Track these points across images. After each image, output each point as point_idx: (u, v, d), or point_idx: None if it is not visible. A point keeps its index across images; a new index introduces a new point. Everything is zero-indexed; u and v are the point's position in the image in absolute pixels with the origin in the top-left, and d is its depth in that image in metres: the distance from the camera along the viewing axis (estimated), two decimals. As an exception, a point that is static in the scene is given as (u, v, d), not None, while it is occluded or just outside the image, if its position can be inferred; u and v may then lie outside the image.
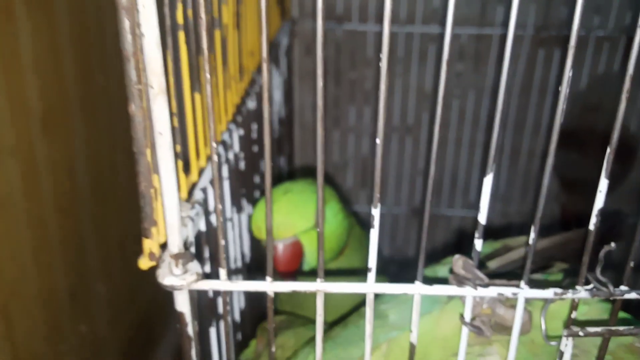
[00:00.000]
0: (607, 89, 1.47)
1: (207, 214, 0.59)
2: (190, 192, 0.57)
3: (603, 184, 0.42)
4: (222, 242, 0.45)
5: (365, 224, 0.93)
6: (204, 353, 0.55)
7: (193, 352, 0.49)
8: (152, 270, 0.48)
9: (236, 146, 0.74)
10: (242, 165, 0.78)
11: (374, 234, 0.44)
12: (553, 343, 0.49)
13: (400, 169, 1.55)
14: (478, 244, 0.45)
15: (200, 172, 0.61)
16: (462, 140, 1.52)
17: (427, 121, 1.52)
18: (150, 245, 0.44)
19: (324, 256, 0.46)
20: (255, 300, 0.89)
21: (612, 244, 0.43)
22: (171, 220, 0.43)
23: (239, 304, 0.77)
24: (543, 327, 0.49)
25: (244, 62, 0.88)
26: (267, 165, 0.42)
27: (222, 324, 0.70)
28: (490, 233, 0.57)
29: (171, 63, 0.51)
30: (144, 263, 0.45)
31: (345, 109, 1.50)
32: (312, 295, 0.46)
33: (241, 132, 0.76)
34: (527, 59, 1.43)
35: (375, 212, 0.44)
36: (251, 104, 0.89)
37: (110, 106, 0.92)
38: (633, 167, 1.47)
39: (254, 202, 0.89)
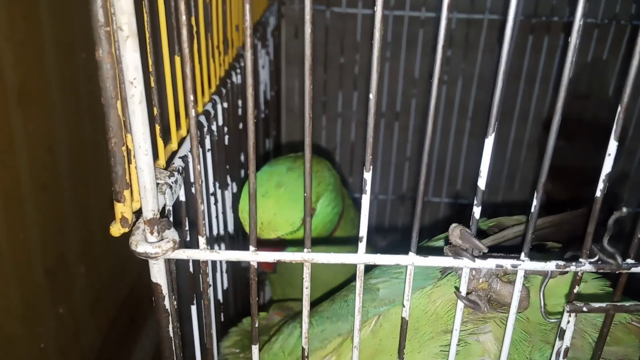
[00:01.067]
0: (596, 76, 1.45)
1: (187, 185, 0.55)
2: (169, 161, 0.54)
3: (612, 146, 0.40)
4: (202, 207, 0.41)
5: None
6: (184, 332, 0.51)
7: (170, 328, 0.45)
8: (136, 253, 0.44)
9: (220, 119, 0.70)
10: (226, 140, 0.74)
11: (366, 201, 0.41)
12: (553, 320, 0.46)
13: (388, 156, 1.52)
14: (477, 211, 0.42)
15: (181, 142, 0.57)
16: (449, 127, 1.50)
17: (416, 107, 1.49)
18: (122, 210, 0.41)
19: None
20: (240, 285, 0.85)
21: (624, 209, 0.40)
22: (145, 183, 0.40)
23: (221, 284, 0.73)
24: (542, 303, 0.46)
25: (229, 36, 0.85)
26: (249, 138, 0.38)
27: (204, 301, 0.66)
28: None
29: (147, 20, 0.47)
30: (116, 229, 0.41)
31: (334, 94, 1.46)
32: (302, 272, 0.43)
33: (225, 105, 0.73)
34: (516, 46, 1.41)
35: (367, 176, 0.40)
36: (237, 79, 0.85)
37: (92, 80, 0.88)
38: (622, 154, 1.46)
39: (238, 181, 0.85)
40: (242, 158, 0.90)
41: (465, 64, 1.43)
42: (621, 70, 1.43)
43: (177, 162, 0.52)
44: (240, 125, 0.88)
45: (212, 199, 0.66)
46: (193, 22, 0.62)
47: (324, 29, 1.38)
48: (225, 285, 0.75)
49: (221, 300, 0.73)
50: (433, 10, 1.36)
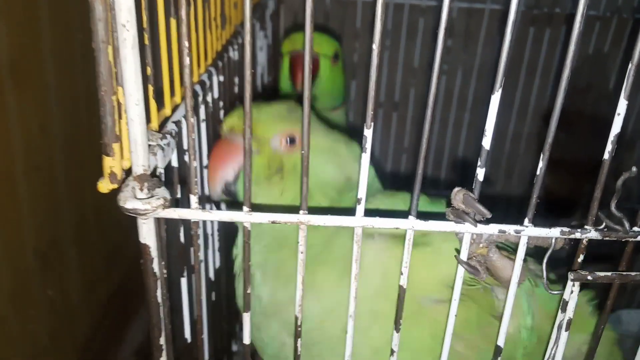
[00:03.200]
0: (597, 69, 1.44)
1: (180, 151, 0.53)
2: (162, 126, 0.52)
3: (622, 105, 0.38)
4: (194, 164, 0.39)
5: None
6: (174, 309, 0.50)
7: (158, 293, 0.44)
8: (130, 237, 0.43)
9: (215, 91, 0.68)
10: (221, 115, 0.73)
11: (365, 159, 0.40)
12: (556, 292, 0.45)
13: (386, 147, 1.51)
14: (480, 173, 0.40)
15: (175, 109, 0.56)
16: (448, 119, 1.48)
17: (414, 98, 1.47)
18: (111, 164, 0.39)
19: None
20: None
21: (634, 169, 0.38)
22: (135, 135, 0.38)
23: (213, 263, 0.71)
24: (545, 275, 0.45)
25: (227, 12, 0.83)
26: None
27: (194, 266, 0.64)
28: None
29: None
30: (104, 185, 0.40)
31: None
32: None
33: (221, 78, 0.71)
34: (517, 37, 1.39)
35: (368, 133, 0.39)
36: (234, 55, 0.83)
37: (88, 60, 0.86)
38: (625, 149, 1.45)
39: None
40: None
41: (466, 55, 1.41)
42: (622, 64, 1.42)
43: (170, 126, 0.51)
44: (237, 103, 0.87)
45: (205, 171, 0.65)
46: (190, -12, 0.60)
47: (324, 15, 1.37)
48: (218, 264, 0.73)
49: (212, 279, 0.71)
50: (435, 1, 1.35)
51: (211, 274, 0.71)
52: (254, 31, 0.96)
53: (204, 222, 0.66)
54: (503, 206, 1.59)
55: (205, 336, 0.69)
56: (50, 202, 0.84)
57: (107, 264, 1.04)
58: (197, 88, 0.62)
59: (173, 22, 0.53)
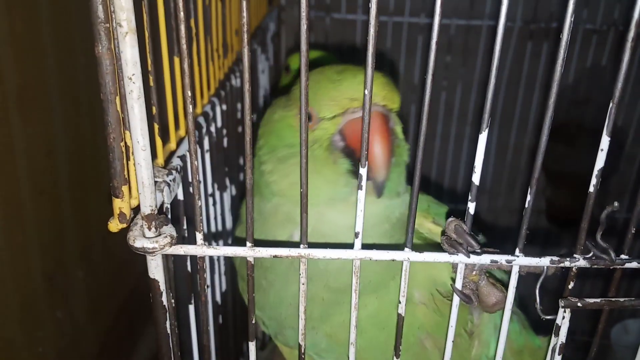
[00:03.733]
0: (595, 82, 1.46)
1: (185, 184, 0.55)
2: (168, 161, 0.54)
3: (605, 141, 0.40)
4: (199, 202, 0.42)
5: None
6: (181, 330, 0.52)
7: (168, 325, 0.46)
8: (135, 258, 0.45)
9: (219, 120, 0.70)
10: (225, 142, 0.75)
11: (361, 196, 0.42)
12: (549, 317, 0.46)
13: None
14: (471, 207, 0.42)
15: (179, 142, 0.58)
16: (449, 134, 1.50)
17: (415, 114, 1.49)
18: (120, 205, 0.41)
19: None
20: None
21: (616, 204, 0.40)
22: (143, 178, 0.40)
23: (220, 286, 0.73)
24: (538, 300, 0.47)
25: (229, 40, 0.86)
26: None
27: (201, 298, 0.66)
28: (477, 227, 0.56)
29: (147, 19, 0.48)
30: (114, 225, 0.42)
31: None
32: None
33: (224, 107, 0.73)
34: (515, 52, 1.41)
35: (363, 172, 0.41)
36: (236, 82, 0.86)
37: (92, 84, 0.89)
38: (620, 161, 1.46)
39: (237, 184, 0.86)
40: (241, 161, 0.91)
41: (465, 70, 1.44)
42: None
43: (176, 161, 0.53)
44: (240, 129, 0.89)
45: (210, 200, 0.67)
46: (192, 25, 0.63)
47: (325, 35, 1.39)
48: (224, 287, 0.75)
49: (219, 302, 0.73)
50: (431, 17, 1.37)
51: (218, 297, 0.73)
52: (255, 57, 0.99)
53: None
54: (506, 218, 1.61)
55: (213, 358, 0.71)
56: (56, 225, 0.86)
57: (113, 284, 1.06)
58: (201, 120, 0.64)
59: (176, 60, 0.56)
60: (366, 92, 0.38)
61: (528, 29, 1.39)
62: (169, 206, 0.48)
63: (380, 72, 0.56)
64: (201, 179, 0.63)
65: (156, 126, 0.50)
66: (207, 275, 0.66)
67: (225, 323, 0.76)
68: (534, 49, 1.41)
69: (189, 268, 0.55)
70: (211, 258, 0.70)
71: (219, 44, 0.76)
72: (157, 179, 0.48)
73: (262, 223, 0.60)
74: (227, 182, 0.77)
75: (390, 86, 0.56)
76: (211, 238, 0.68)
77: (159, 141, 0.51)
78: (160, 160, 0.52)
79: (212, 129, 0.67)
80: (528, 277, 0.47)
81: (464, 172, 1.53)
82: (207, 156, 0.65)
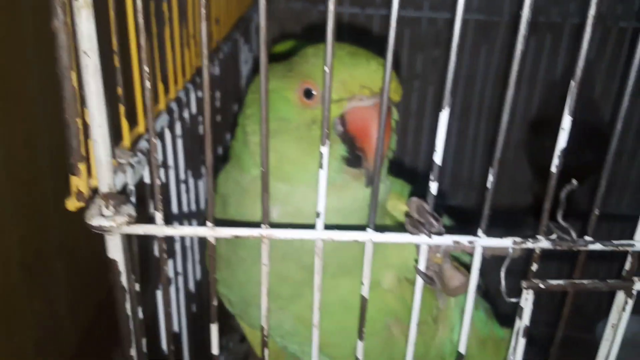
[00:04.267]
0: (584, 77, 1.46)
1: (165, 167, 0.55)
2: (136, 144, 0.54)
3: (566, 121, 0.40)
4: (157, 181, 0.41)
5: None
6: (148, 316, 0.51)
7: (128, 306, 0.45)
8: None
9: (193, 107, 0.70)
10: (200, 130, 0.74)
11: (323, 175, 0.41)
12: (514, 299, 0.46)
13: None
14: (433, 187, 0.42)
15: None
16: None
17: (402, 108, 1.49)
18: (77, 183, 0.41)
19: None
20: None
21: (574, 182, 0.40)
22: (100, 156, 0.40)
23: (194, 275, 0.73)
24: (502, 282, 0.46)
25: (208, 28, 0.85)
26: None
27: (175, 288, 0.66)
28: (465, 220, 0.55)
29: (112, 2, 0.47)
30: (72, 203, 0.41)
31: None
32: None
33: (200, 94, 0.73)
34: (502, 46, 1.41)
35: (324, 150, 0.41)
36: (215, 70, 0.85)
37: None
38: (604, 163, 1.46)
39: (215, 174, 0.85)
40: (220, 151, 0.91)
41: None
42: (607, 71, 1.44)
43: (143, 144, 0.52)
44: (219, 118, 0.89)
45: (183, 186, 0.66)
46: (165, 9, 0.62)
47: (310, 26, 1.39)
48: (199, 276, 0.75)
49: (193, 291, 0.72)
50: (419, 10, 1.37)
51: (191, 286, 0.72)
52: (237, 47, 0.98)
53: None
54: (492, 213, 1.60)
55: (185, 347, 0.70)
56: (35, 214, 0.86)
57: (95, 276, 1.05)
58: (173, 105, 0.63)
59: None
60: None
61: (515, 23, 1.38)
62: (133, 188, 0.48)
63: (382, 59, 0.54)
64: (172, 164, 0.62)
65: (122, 107, 0.49)
66: (179, 261, 0.66)
67: (201, 313, 0.76)
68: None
69: (156, 252, 0.55)
70: (184, 246, 0.69)
71: (195, 31, 0.76)
72: (121, 160, 0.48)
73: (241, 195, 0.58)
74: (203, 170, 0.76)
75: (396, 78, 0.55)
76: (185, 223, 0.68)
77: (125, 123, 0.51)
78: (127, 142, 0.51)
79: (186, 114, 0.67)
80: (494, 264, 0.47)
81: (452, 167, 1.53)
82: (180, 142, 0.64)
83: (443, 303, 0.60)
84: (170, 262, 0.64)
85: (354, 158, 0.52)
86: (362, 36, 1.37)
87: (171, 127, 0.62)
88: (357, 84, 0.52)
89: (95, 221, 0.40)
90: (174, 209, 0.64)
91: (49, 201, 0.88)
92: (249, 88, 0.65)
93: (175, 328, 0.67)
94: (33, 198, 0.85)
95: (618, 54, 1.40)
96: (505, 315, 0.73)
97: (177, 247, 0.65)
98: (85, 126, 0.40)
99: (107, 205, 0.41)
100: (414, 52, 1.42)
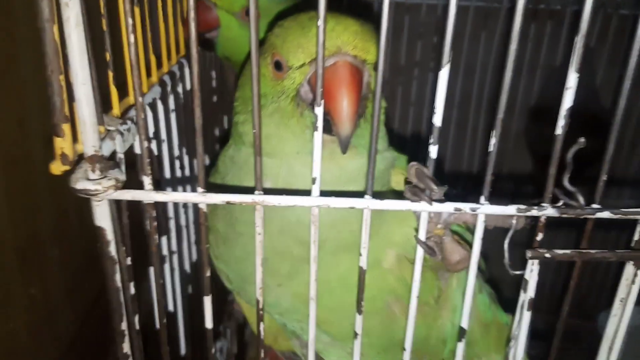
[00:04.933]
0: (584, 65, 1.44)
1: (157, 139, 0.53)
2: (126, 113, 0.52)
3: (572, 78, 0.38)
4: (145, 144, 0.39)
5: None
6: (142, 296, 0.49)
7: (117, 277, 0.43)
8: None
9: (188, 83, 0.68)
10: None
11: (318, 137, 0.39)
12: (518, 272, 0.44)
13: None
14: (433, 150, 0.40)
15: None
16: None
17: (402, 96, 1.47)
18: (62, 145, 0.39)
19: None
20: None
21: (582, 139, 0.38)
22: (84, 116, 0.38)
23: (189, 256, 0.71)
24: (506, 256, 0.45)
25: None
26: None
27: (170, 268, 0.64)
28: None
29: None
30: (56, 167, 0.39)
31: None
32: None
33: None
34: (502, 33, 1.40)
35: (319, 111, 0.39)
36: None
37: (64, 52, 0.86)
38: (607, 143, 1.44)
39: (211, 154, 0.84)
40: (217, 132, 0.89)
41: (452, 52, 1.41)
42: (609, 59, 1.42)
43: (132, 113, 0.50)
44: (215, 98, 0.87)
45: (177, 162, 0.65)
46: (157, -20, 0.61)
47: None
48: (194, 257, 0.73)
49: (188, 271, 0.71)
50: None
51: (187, 267, 0.70)
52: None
53: (178, 213, 0.66)
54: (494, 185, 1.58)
55: (180, 326, 0.69)
56: (29, 197, 0.84)
57: (92, 262, 1.03)
58: (166, 78, 0.62)
59: (137, 10, 0.53)
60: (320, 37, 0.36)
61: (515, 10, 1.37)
62: (122, 156, 0.46)
63: (358, 19, 0.52)
64: (165, 137, 0.61)
65: (110, 73, 0.48)
66: (174, 239, 0.64)
67: (197, 294, 0.74)
68: (521, 31, 1.39)
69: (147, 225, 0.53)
70: (179, 225, 0.67)
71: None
72: (109, 127, 0.46)
73: (237, 173, 0.57)
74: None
75: (365, 35, 0.51)
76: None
77: (114, 90, 0.49)
78: (116, 110, 0.49)
79: (179, 89, 0.65)
80: (497, 246, 0.45)
81: (451, 155, 1.51)
82: (173, 116, 0.62)
83: (445, 283, 0.58)
84: (164, 241, 0.62)
85: (325, 124, 0.49)
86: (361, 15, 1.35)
87: (164, 100, 0.60)
88: (315, 45, 0.50)
89: (80, 184, 0.38)
90: (167, 177, 0.63)
91: (41, 184, 0.87)
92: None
93: (171, 308, 0.66)
94: (25, 180, 0.83)
95: (619, 41, 1.38)
96: (507, 301, 0.72)
97: (172, 225, 0.63)
98: (70, 86, 0.38)
99: (93, 169, 0.39)
100: (413, 39, 1.40)
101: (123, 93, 0.53)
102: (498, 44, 1.40)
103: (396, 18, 1.37)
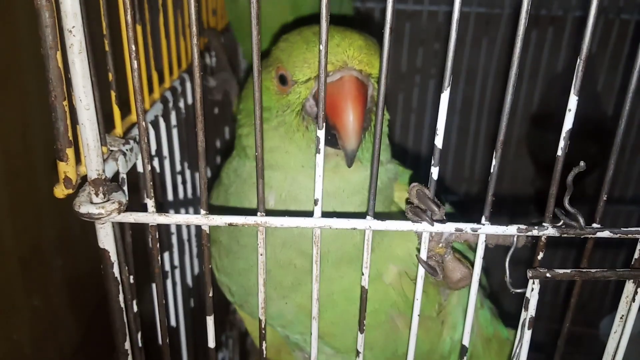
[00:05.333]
0: (585, 70, 1.44)
1: (160, 156, 0.53)
2: (128, 132, 0.52)
3: (572, 101, 0.38)
4: (148, 167, 0.40)
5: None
6: (144, 309, 0.50)
7: (121, 298, 0.44)
8: None
9: (189, 97, 0.68)
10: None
11: (320, 160, 0.40)
12: (519, 290, 0.45)
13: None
14: (434, 171, 0.40)
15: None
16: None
17: (403, 102, 1.47)
18: (65, 169, 0.39)
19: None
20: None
21: (582, 163, 0.38)
22: (87, 140, 0.38)
23: (191, 269, 0.71)
24: (507, 273, 0.45)
25: (204, 18, 0.83)
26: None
27: (172, 282, 0.65)
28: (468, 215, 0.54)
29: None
30: (60, 191, 0.40)
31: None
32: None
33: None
34: (503, 40, 1.40)
35: (321, 134, 0.39)
36: (211, 62, 0.84)
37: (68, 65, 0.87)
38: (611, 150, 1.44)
39: (213, 166, 0.84)
40: (218, 144, 0.89)
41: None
42: (610, 64, 1.42)
43: (136, 132, 0.51)
44: (216, 110, 0.87)
45: (179, 178, 0.65)
46: (159, -4, 0.61)
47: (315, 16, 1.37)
48: (197, 271, 0.73)
49: (191, 285, 0.71)
50: (420, 3, 1.35)
51: (189, 280, 0.71)
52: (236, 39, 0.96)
53: (180, 228, 0.66)
54: (494, 206, 1.58)
55: (183, 341, 0.69)
56: (31, 208, 0.84)
57: (94, 271, 1.04)
58: (168, 94, 0.62)
59: (139, 28, 0.54)
60: (321, 47, 0.36)
61: (516, 16, 1.37)
62: (124, 176, 0.46)
63: (362, 34, 0.53)
64: (167, 154, 0.61)
65: (113, 94, 0.48)
66: (176, 254, 0.64)
67: (200, 308, 0.74)
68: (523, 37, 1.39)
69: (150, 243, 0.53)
70: (181, 239, 0.68)
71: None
72: (112, 148, 0.47)
73: (241, 186, 0.58)
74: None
75: (370, 49, 0.51)
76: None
77: (116, 110, 0.49)
78: (119, 130, 0.50)
79: (181, 104, 0.65)
80: (497, 263, 0.45)
81: (452, 161, 1.51)
82: (175, 132, 0.63)
83: (445, 299, 0.58)
84: (166, 256, 0.62)
85: (331, 138, 0.50)
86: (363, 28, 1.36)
87: (166, 117, 0.60)
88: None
89: (83, 208, 0.39)
90: (170, 199, 0.63)
91: (43, 195, 0.87)
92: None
93: (173, 323, 0.66)
94: (28, 191, 0.83)
95: (620, 46, 1.38)
96: (508, 316, 0.72)
97: (174, 240, 0.63)
98: (73, 110, 0.39)
99: (97, 192, 0.39)
100: (414, 46, 1.40)
101: (126, 109, 0.53)
102: (499, 49, 1.41)
103: (397, 25, 1.37)
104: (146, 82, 0.56)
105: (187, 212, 0.68)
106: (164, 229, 0.61)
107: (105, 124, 0.48)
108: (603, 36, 1.39)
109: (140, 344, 0.50)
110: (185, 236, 0.68)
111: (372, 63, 0.51)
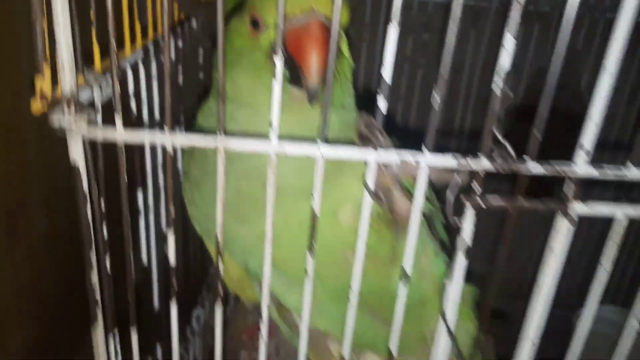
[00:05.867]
0: (570, 67, 1.48)
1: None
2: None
3: (509, 41, 0.42)
4: (117, 86, 0.43)
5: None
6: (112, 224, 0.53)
7: (88, 210, 0.47)
8: None
9: (172, 53, 0.72)
10: (180, 80, 0.77)
11: (277, 85, 0.43)
12: (456, 218, 0.48)
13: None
14: (382, 104, 0.44)
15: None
16: (427, 112, 1.52)
17: (393, 89, 1.51)
18: (42, 85, 0.43)
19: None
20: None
21: (509, 93, 0.42)
22: (62, 56, 0.42)
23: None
24: (448, 201, 0.48)
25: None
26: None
27: (146, 224, 0.68)
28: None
29: None
30: (36, 105, 0.43)
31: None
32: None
33: (180, 43, 0.75)
34: (491, 34, 1.44)
35: (279, 61, 0.43)
36: (197, 25, 0.87)
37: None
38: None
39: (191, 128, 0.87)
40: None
41: (442, 48, 1.45)
42: (595, 62, 1.46)
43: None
44: (201, 75, 0.91)
45: (157, 128, 0.68)
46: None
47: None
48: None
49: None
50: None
51: (164, 226, 0.74)
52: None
53: (156, 171, 0.69)
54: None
55: (154, 283, 0.72)
56: (18, 166, 0.87)
57: (78, 227, 1.06)
58: (150, 46, 0.66)
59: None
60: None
61: (505, 10, 1.41)
62: (99, 104, 0.50)
63: None
64: (145, 100, 0.64)
65: (93, 30, 0.52)
66: (150, 197, 0.68)
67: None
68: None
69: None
70: (156, 183, 0.70)
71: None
72: (89, 79, 0.50)
73: (213, 122, 0.62)
74: (182, 119, 0.79)
75: None
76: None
77: (96, 48, 0.53)
78: (98, 65, 0.53)
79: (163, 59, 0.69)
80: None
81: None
82: (155, 83, 0.66)
83: (402, 242, 0.61)
84: (139, 193, 0.66)
85: (296, 78, 0.54)
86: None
87: (146, 65, 0.64)
88: (289, 6, 0.54)
89: (56, 121, 0.42)
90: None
91: (31, 151, 0.90)
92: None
93: (145, 263, 0.69)
94: (16, 149, 0.86)
95: (605, 45, 1.42)
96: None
97: (149, 181, 0.67)
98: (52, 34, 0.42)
99: (69, 106, 0.43)
100: (404, 36, 1.44)
101: (106, 55, 0.56)
102: (487, 42, 1.44)
103: (389, 13, 1.40)
104: (128, 27, 0.60)
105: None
106: (139, 166, 0.64)
107: (87, 61, 0.52)
108: (588, 35, 1.43)
109: (107, 264, 0.53)
110: (161, 181, 0.70)
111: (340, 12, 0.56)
